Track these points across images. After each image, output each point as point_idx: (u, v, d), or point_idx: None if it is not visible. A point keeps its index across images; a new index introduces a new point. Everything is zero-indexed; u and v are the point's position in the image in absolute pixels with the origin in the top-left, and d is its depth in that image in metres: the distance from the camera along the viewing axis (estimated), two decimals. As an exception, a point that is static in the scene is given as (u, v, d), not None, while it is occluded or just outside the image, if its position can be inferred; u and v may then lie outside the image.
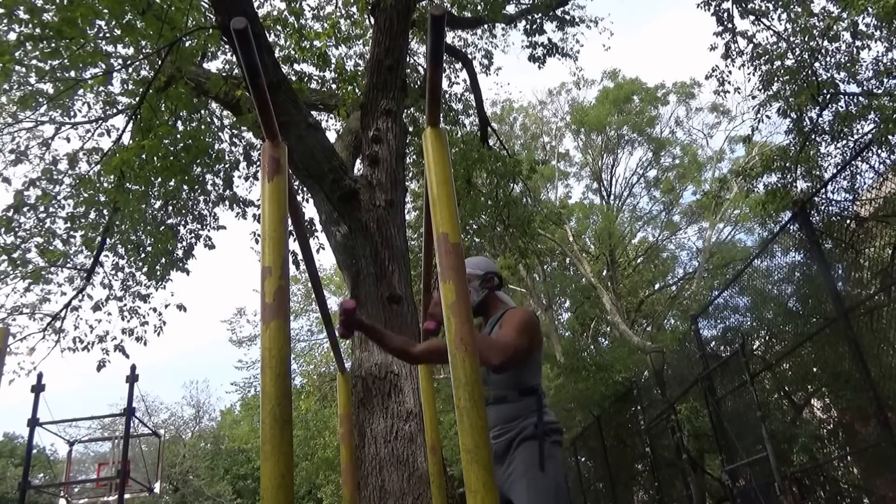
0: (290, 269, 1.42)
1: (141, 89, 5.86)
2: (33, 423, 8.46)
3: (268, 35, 6.31)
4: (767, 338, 7.41)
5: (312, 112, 6.42)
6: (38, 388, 8.46)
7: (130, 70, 6.55)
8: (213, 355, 56.71)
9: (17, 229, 6.81)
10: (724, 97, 13.09)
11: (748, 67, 9.42)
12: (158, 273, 7.38)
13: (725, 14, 9.27)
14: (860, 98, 8.71)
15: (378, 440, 4.47)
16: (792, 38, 9.17)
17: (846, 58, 8.86)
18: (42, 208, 6.85)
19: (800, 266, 6.30)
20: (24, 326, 7.73)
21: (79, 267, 7.55)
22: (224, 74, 7.10)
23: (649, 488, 10.47)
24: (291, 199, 1.66)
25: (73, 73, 5.70)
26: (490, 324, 2.60)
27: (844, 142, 8.69)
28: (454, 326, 1.26)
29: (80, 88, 6.08)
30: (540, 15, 9.50)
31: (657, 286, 24.21)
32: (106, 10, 4.93)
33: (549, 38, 9.68)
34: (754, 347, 7.35)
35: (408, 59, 7.84)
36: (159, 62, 5.52)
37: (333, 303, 22.19)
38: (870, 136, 8.04)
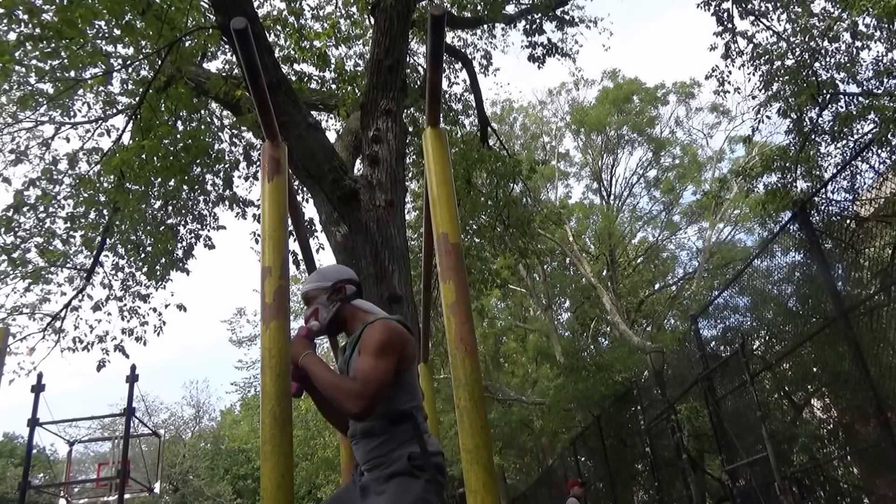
0: (290, 269, 1.43)
1: (141, 89, 5.86)
2: (33, 423, 8.47)
3: (268, 35, 6.31)
4: (767, 338, 7.41)
5: (312, 112, 6.42)
6: (38, 388, 8.47)
7: (130, 70, 6.55)
8: (213, 355, 56.80)
9: (17, 229, 6.81)
10: (724, 97, 13.09)
11: (748, 67, 9.43)
12: (158, 273, 7.38)
13: (725, 14, 9.27)
14: (860, 98, 8.71)
15: (378, 440, 4.46)
16: (792, 39, 9.17)
17: (846, 58, 8.86)
18: (42, 208, 6.85)
19: (800, 266, 6.30)
20: (24, 326, 7.75)
21: (79, 267, 7.55)
22: (224, 74, 7.09)
23: (649, 488, 10.47)
24: (291, 199, 1.66)
25: (73, 73, 5.70)
26: (350, 344, 2.15)
27: (844, 142, 8.69)
28: (454, 326, 1.26)
29: (80, 88, 6.08)
30: (539, 15, 9.50)
31: (657, 286, 24.22)
32: (105, 11, 4.93)
33: (549, 38, 9.69)
34: (754, 347, 7.35)
35: (408, 59, 7.84)
36: (159, 62, 5.51)
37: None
38: (870, 136, 8.04)
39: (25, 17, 4.87)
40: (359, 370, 1.94)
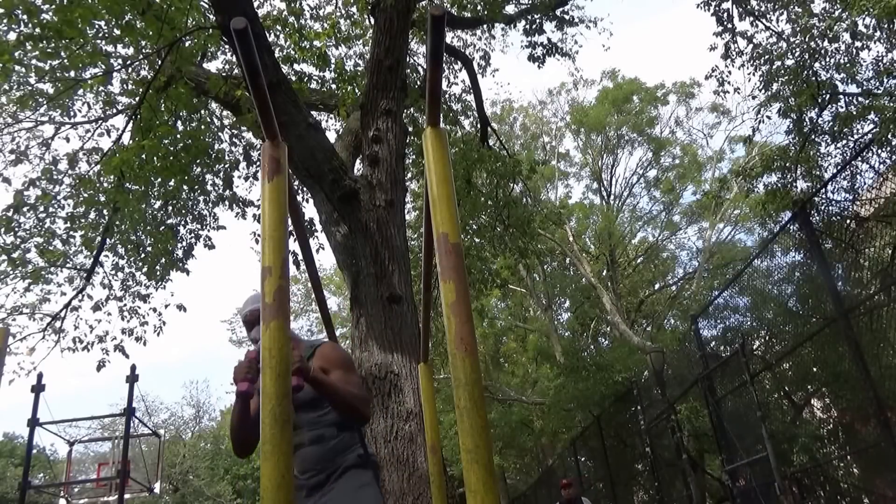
0: (290, 269, 1.42)
1: (141, 89, 5.86)
2: (33, 423, 8.46)
3: (268, 35, 6.31)
4: (767, 338, 7.41)
5: (312, 112, 6.42)
6: (38, 388, 8.46)
7: (130, 70, 6.56)
8: (213, 355, 56.79)
9: (17, 229, 6.80)
10: (724, 97, 13.08)
11: (748, 67, 9.43)
12: (158, 273, 7.37)
13: (725, 14, 9.27)
14: (860, 98, 8.70)
15: (378, 440, 4.47)
16: (792, 39, 9.17)
17: (846, 58, 8.85)
18: (42, 208, 6.84)
19: (800, 266, 6.31)
20: (24, 326, 7.74)
21: (79, 267, 7.54)
22: (224, 74, 7.09)
23: (649, 488, 10.47)
24: (291, 199, 1.66)
25: (72, 73, 5.69)
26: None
27: (844, 142, 8.68)
28: (454, 326, 1.26)
29: (80, 88, 6.08)
30: (539, 15, 9.49)
31: (657, 286, 24.22)
32: (105, 11, 4.93)
33: (549, 38, 9.69)
34: (754, 347, 7.35)
35: (408, 59, 7.83)
36: (159, 62, 5.51)
37: (333, 303, 22.18)
38: (870, 136, 8.03)
39: (25, 17, 4.87)
40: (354, 384, 2.29)
